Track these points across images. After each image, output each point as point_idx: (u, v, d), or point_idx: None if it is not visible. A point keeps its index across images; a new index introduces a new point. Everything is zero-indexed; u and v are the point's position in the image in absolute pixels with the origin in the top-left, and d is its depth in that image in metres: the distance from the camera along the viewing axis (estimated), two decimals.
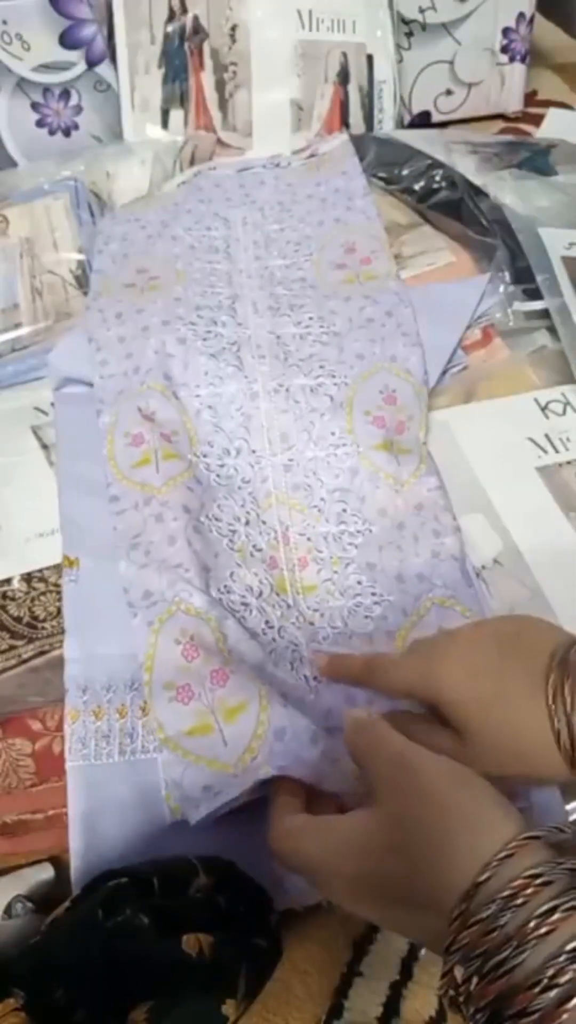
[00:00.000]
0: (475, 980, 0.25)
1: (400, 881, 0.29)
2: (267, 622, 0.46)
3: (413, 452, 0.53)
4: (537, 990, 0.23)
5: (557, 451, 0.54)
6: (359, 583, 0.48)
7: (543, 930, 0.24)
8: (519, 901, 0.25)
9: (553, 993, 0.23)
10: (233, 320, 0.60)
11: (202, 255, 0.66)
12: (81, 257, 0.66)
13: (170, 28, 0.74)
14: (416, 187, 0.71)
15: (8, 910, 0.38)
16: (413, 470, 0.52)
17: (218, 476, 0.52)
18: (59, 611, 0.47)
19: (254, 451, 0.53)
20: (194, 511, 0.49)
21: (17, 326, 0.63)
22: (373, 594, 0.47)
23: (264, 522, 0.50)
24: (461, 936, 0.26)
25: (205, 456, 0.53)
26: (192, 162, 0.77)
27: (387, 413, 0.54)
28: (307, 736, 0.39)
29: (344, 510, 0.50)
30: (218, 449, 0.53)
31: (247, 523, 0.50)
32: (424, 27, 0.78)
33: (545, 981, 0.23)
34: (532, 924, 0.24)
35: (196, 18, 0.73)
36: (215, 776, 0.39)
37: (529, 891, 0.25)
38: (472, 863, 0.26)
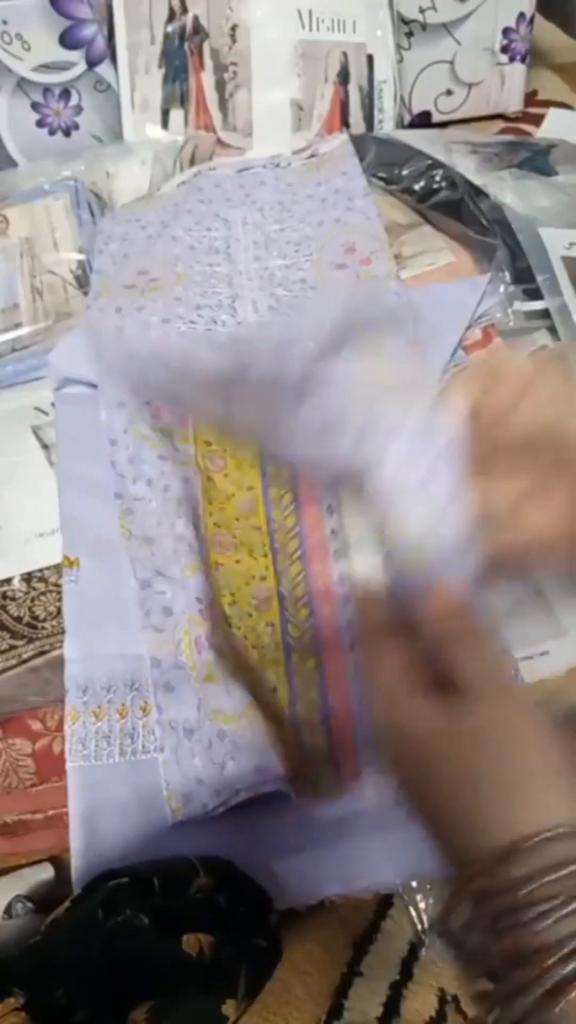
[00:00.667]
0: (485, 928, 0.25)
1: (444, 794, 0.28)
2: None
3: None
4: (552, 960, 0.23)
5: None
6: None
7: (573, 906, 0.24)
8: (560, 874, 0.25)
9: (569, 967, 0.23)
10: (233, 319, 0.60)
11: (202, 256, 0.66)
12: (81, 257, 0.66)
13: (170, 28, 0.74)
14: (416, 187, 0.71)
15: (8, 910, 0.38)
16: None
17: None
18: (59, 611, 0.47)
19: None
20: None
21: (17, 326, 0.63)
22: None
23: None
24: (483, 878, 0.25)
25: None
26: (192, 162, 0.77)
27: None
28: None
29: None
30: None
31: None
32: (424, 27, 0.78)
33: (565, 952, 0.23)
34: (561, 899, 0.24)
35: (196, 18, 0.73)
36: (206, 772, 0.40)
37: (571, 868, 0.25)
38: (525, 819, 0.26)
